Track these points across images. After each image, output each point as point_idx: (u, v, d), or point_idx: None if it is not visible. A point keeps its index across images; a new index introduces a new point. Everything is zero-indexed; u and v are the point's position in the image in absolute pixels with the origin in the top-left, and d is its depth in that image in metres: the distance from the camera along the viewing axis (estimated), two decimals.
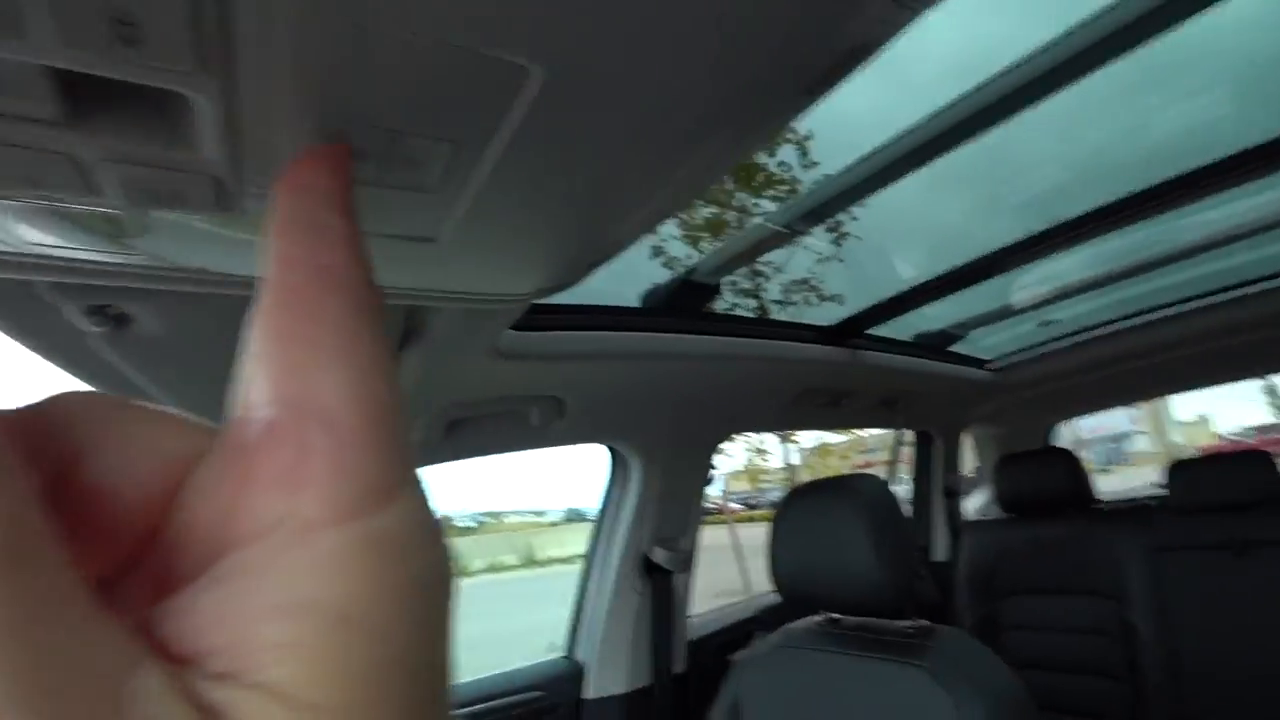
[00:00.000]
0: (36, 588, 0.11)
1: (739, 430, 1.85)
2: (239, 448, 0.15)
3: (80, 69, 0.22)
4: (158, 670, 0.12)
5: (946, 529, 2.51)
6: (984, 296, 1.73)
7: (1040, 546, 2.07)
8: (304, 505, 0.14)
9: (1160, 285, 1.81)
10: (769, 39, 0.28)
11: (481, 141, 0.31)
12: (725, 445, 1.77)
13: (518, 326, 0.84)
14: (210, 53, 0.22)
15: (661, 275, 1.33)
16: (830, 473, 1.40)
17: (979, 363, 2.26)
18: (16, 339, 0.54)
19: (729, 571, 6.22)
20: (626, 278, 1.25)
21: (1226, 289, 1.83)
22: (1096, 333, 2.09)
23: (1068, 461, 2.12)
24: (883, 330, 1.71)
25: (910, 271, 1.88)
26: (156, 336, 0.54)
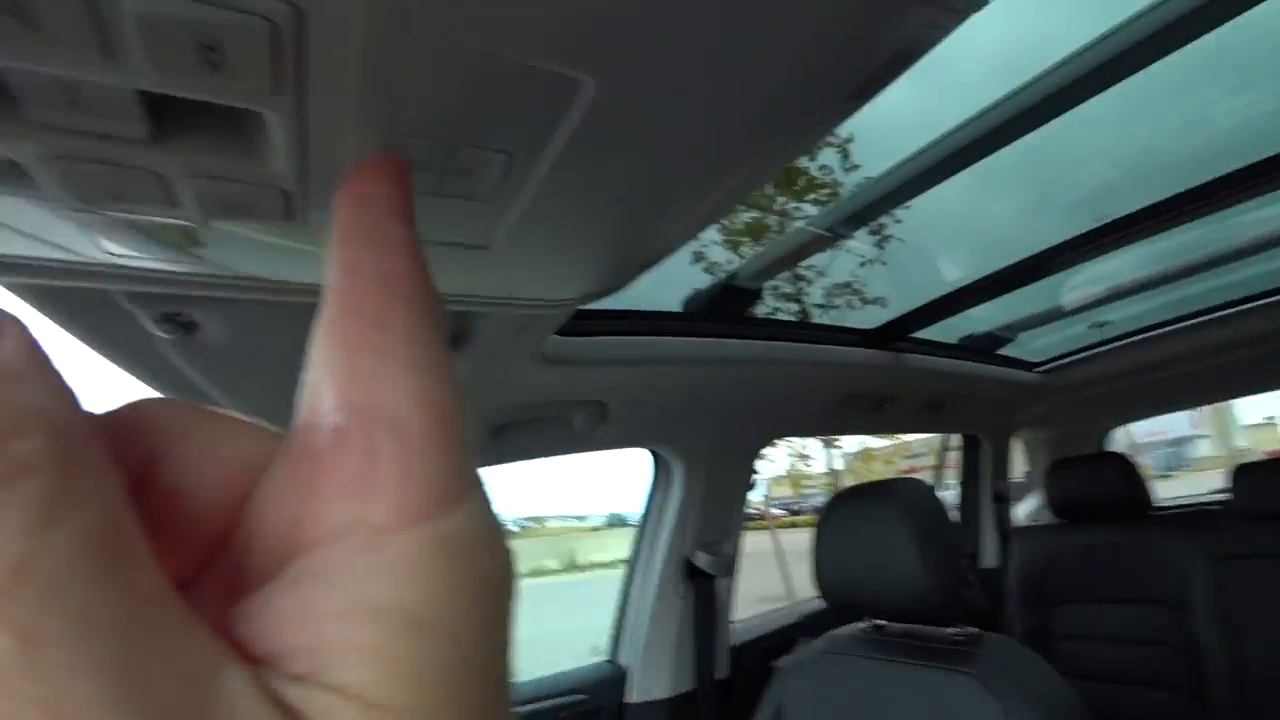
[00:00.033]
0: (133, 588, 0.12)
1: (781, 435, 1.83)
2: (307, 453, 0.15)
3: (167, 91, 0.24)
4: (241, 670, 0.12)
5: (996, 535, 2.45)
6: (1032, 298, 1.69)
7: (1095, 553, 2.01)
8: (373, 510, 0.14)
9: (1217, 285, 1.75)
10: (815, 45, 0.29)
11: (535, 151, 0.32)
12: (767, 450, 1.76)
13: (562, 332, 0.85)
14: (284, 74, 0.24)
15: (702, 280, 1.33)
16: (874, 478, 1.38)
17: (1028, 365, 2.20)
18: (93, 346, 0.57)
19: (771, 578, 6.16)
20: (667, 283, 1.26)
21: None
22: (1150, 334, 2.03)
23: (1122, 466, 2.05)
24: (927, 333, 1.68)
25: (955, 274, 1.85)
26: (221, 343, 0.57)
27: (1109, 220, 1.29)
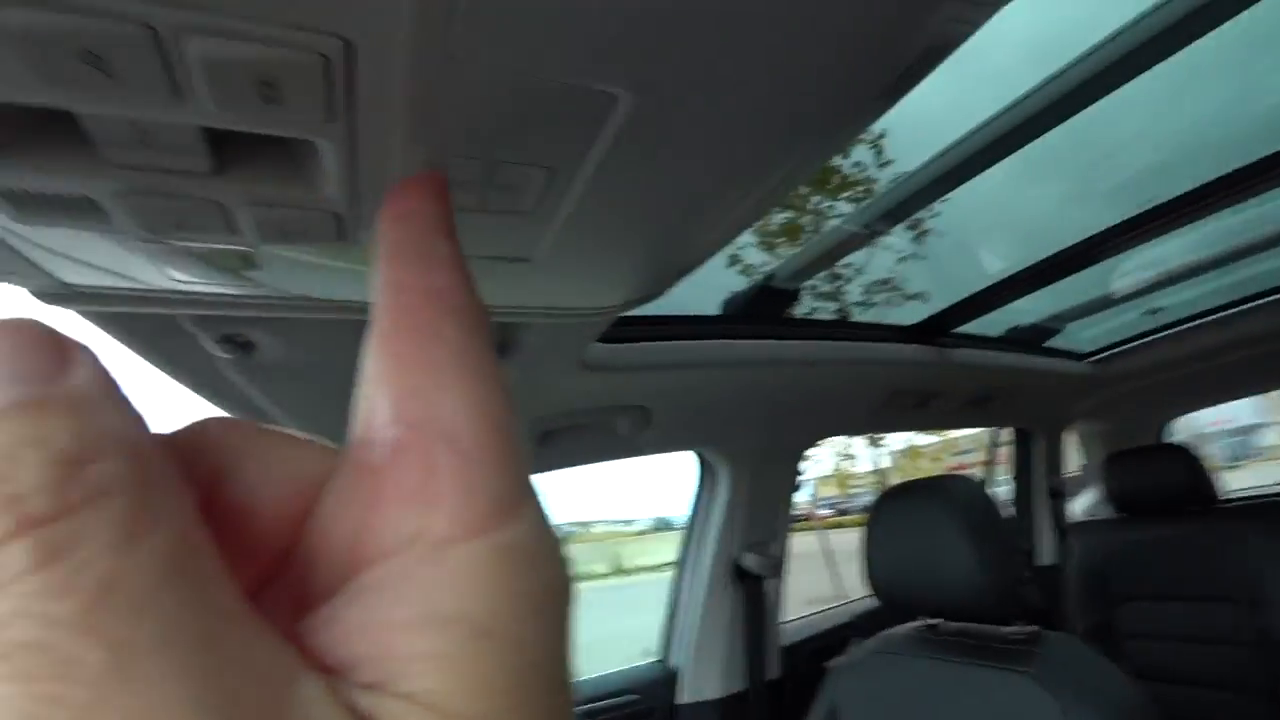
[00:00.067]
0: (212, 601, 0.12)
1: (826, 434, 1.82)
2: (365, 468, 0.16)
3: (229, 127, 0.26)
4: (316, 678, 0.13)
5: (1052, 531, 2.38)
6: (1080, 287, 1.65)
7: (1158, 548, 1.93)
8: (434, 522, 0.14)
9: (1278, 265, 1.67)
10: (845, 46, 0.29)
11: (574, 165, 0.33)
12: (812, 450, 1.75)
13: (604, 339, 0.86)
14: (336, 104, 0.25)
15: (739, 284, 1.33)
16: (921, 475, 1.36)
17: (1079, 356, 2.14)
18: (159, 366, 0.60)
19: (819, 579, 6.07)
20: (704, 288, 1.26)
21: None
22: (1209, 319, 1.95)
23: (1184, 457, 1.97)
24: (971, 327, 1.65)
25: (998, 265, 1.81)
26: (278, 361, 0.59)
27: (1156, 204, 1.25)
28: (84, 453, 0.11)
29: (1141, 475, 2.02)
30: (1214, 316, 1.94)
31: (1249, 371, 2.17)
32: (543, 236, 0.39)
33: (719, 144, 0.34)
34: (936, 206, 1.54)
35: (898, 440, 10.91)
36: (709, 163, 0.36)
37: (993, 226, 2.01)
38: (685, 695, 1.53)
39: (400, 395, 0.16)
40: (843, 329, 1.50)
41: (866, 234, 1.23)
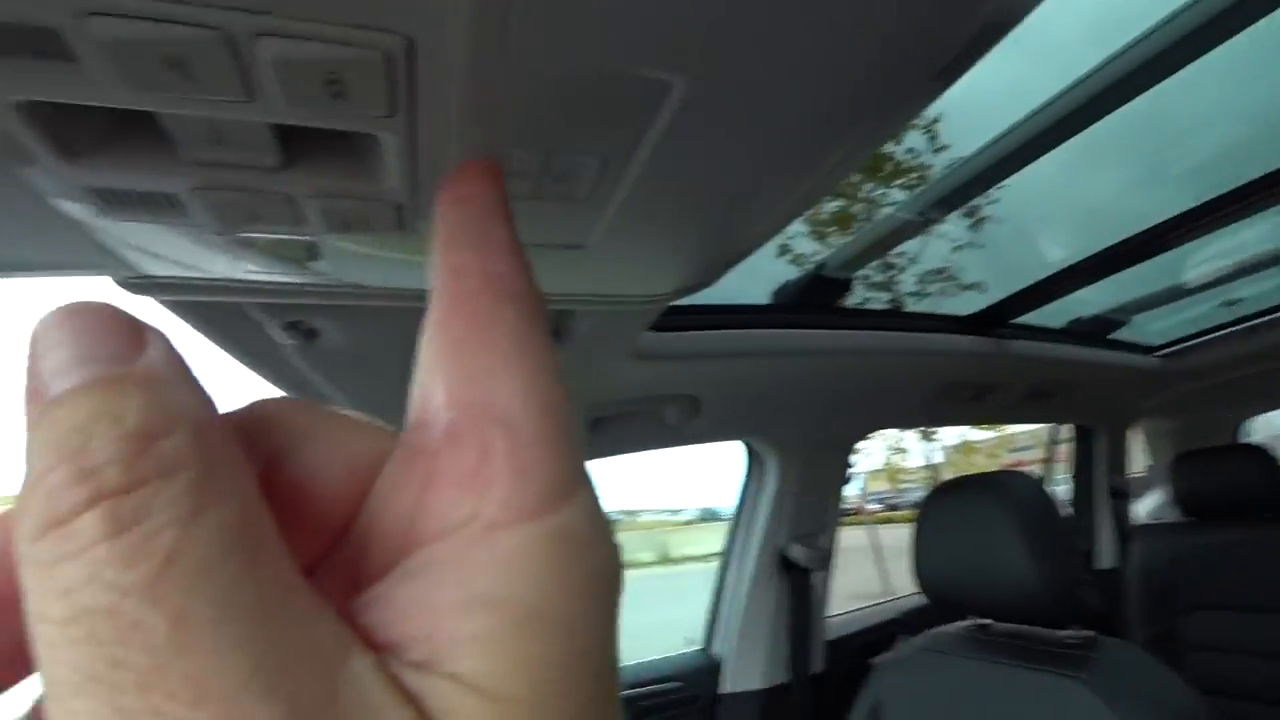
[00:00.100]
0: (270, 576, 0.12)
1: (877, 427, 1.79)
2: (421, 451, 0.16)
3: (297, 123, 0.27)
4: (367, 654, 0.13)
5: (1113, 533, 2.29)
6: (1148, 277, 1.57)
7: (1228, 555, 1.84)
8: (487, 505, 0.15)
9: None
10: (898, 26, 0.28)
11: (627, 153, 0.33)
12: (862, 444, 1.72)
13: (655, 327, 0.87)
14: (398, 98, 0.26)
15: (789, 273, 1.32)
16: (975, 471, 1.32)
17: (1146, 349, 2.05)
18: (229, 352, 0.63)
19: (866, 574, 5.99)
20: (754, 277, 1.26)
21: None
22: None
23: (1260, 459, 1.87)
24: (1030, 318, 1.60)
25: (1059, 254, 1.74)
26: (339, 347, 0.62)
27: (1233, 188, 1.18)
28: (154, 428, 0.12)
29: (1213, 477, 1.93)
30: None
31: None
32: (597, 224, 0.40)
33: (771, 130, 0.34)
34: (994, 193, 1.49)
35: (952, 435, 10.64)
36: (761, 149, 0.36)
37: (1054, 213, 1.94)
38: (728, 685, 1.53)
39: (457, 378, 0.16)
40: (895, 319, 1.47)
41: (920, 222, 1.20)
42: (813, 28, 0.27)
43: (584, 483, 0.16)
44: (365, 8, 0.22)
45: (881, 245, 1.32)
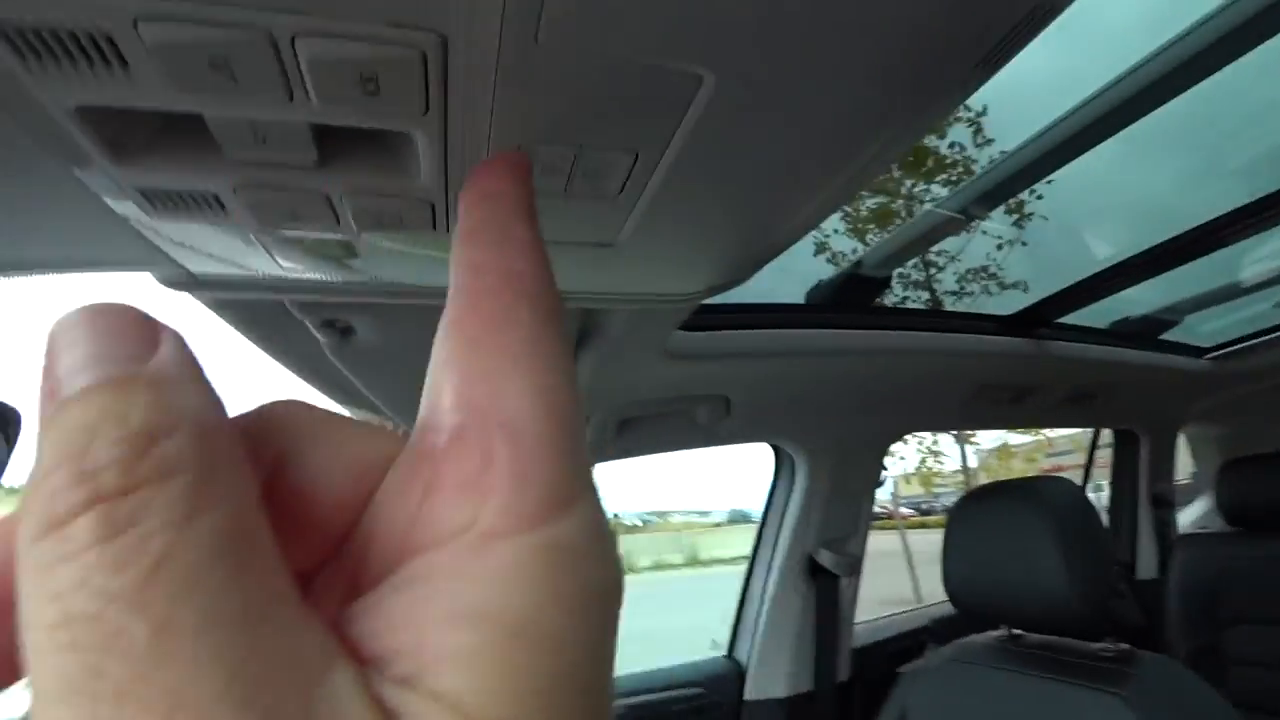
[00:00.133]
0: (259, 584, 0.12)
1: (911, 430, 1.76)
2: (426, 453, 0.16)
3: (335, 122, 0.28)
4: (349, 669, 0.13)
5: (1155, 543, 2.22)
6: (1201, 275, 1.52)
7: (1277, 567, 1.77)
8: (485, 513, 0.14)
9: None
10: (938, 10, 0.27)
11: (659, 149, 0.33)
12: (896, 446, 1.69)
13: (686, 326, 0.86)
14: (431, 96, 0.26)
15: (825, 271, 1.30)
16: (1012, 476, 1.29)
17: (1197, 351, 1.98)
18: (268, 351, 0.65)
19: (897, 580, 5.91)
20: (789, 276, 1.24)
21: None
22: None
23: None
24: (1074, 318, 1.55)
25: (1107, 251, 1.69)
26: (374, 345, 0.62)
27: None
28: (156, 429, 0.12)
29: (1261, 486, 1.85)
30: None
31: None
32: (628, 221, 0.40)
33: (805, 124, 0.34)
34: (1040, 188, 1.45)
35: (989, 438, 10.44)
36: (795, 143, 0.35)
37: (1102, 209, 1.88)
38: (752, 692, 1.52)
39: (466, 379, 0.16)
40: (932, 319, 1.44)
41: (962, 219, 1.17)
42: (847, 16, 0.26)
43: (587, 492, 0.16)
44: (399, 6, 0.22)
45: (921, 243, 1.29)
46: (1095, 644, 1.01)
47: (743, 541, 1.69)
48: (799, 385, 1.23)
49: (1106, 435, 2.37)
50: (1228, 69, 0.78)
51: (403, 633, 0.13)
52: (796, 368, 1.16)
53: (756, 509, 1.67)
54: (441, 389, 0.16)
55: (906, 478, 10.58)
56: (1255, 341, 1.94)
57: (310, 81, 0.25)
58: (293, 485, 0.16)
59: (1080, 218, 1.92)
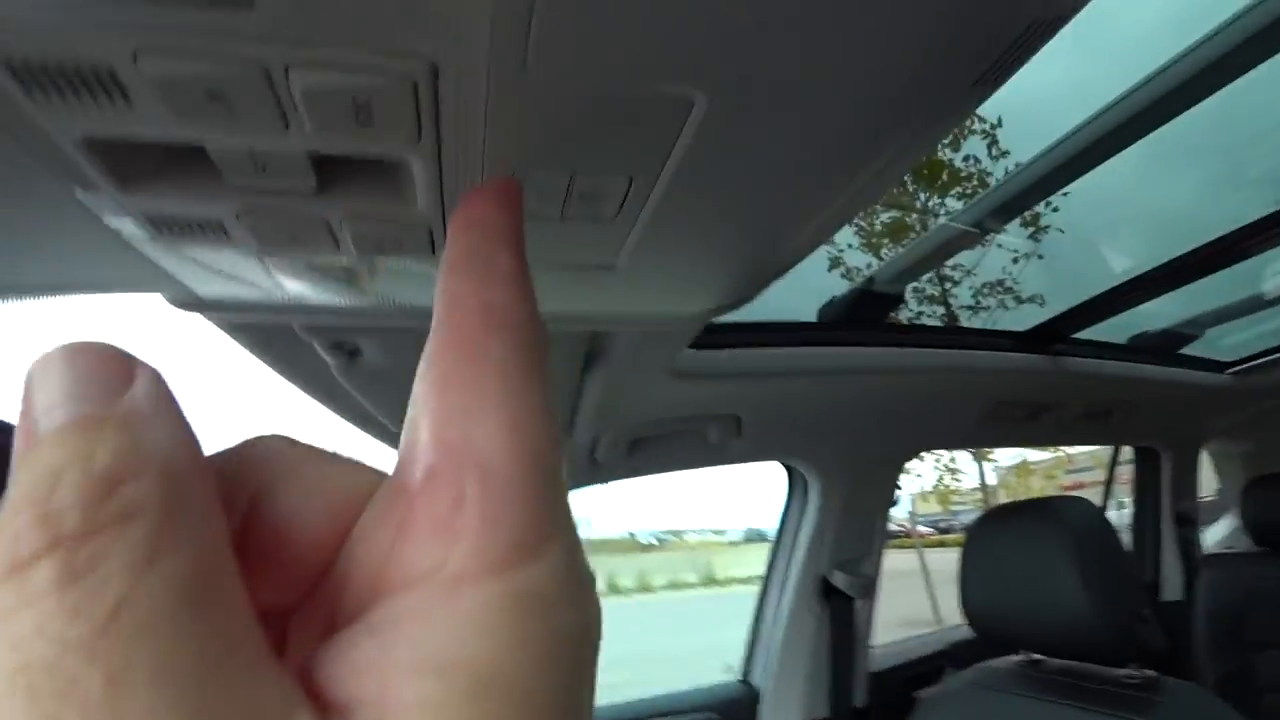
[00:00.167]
0: (220, 631, 0.12)
1: (926, 448, 1.74)
2: (401, 492, 0.15)
3: (330, 150, 0.28)
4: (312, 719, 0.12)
5: (1179, 563, 2.16)
6: (1223, 288, 1.49)
7: None
8: (454, 557, 0.14)
9: None
10: (935, 29, 0.27)
11: (654, 171, 0.33)
12: (912, 464, 1.67)
13: (695, 345, 0.86)
14: (424, 123, 0.27)
15: (839, 286, 1.30)
16: (1032, 493, 1.26)
17: (1219, 366, 1.94)
18: (279, 372, 0.65)
19: (915, 600, 5.82)
20: (802, 292, 1.23)
21: None
22: None
23: None
24: (1091, 333, 1.53)
25: (1125, 264, 1.67)
26: (381, 366, 0.63)
27: None
28: (121, 472, 0.12)
29: None
30: None
31: None
32: (626, 243, 0.40)
33: (800, 145, 0.33)
34: (1055, 200, 1.43)
35: (1008, 455, 10.31)
36: (793, 162, 0.35)
37: (1119, 221, 1.86)
38: (766, 718, 1.49)
39: (441, 416, 0.16)
40: (946, 335, 1.43)
41: (977, 232, 1.16)
42: (839, 37, 0.26)
43: (561, 532, 0.15)
44: (389, 36, 0.22)
45: (935, 257, 1.28)
46: (1119, 670, 0.99)
47: (759, 560, 1.68)
48: (811, 404, 1.22)
49: (1127, 451, 2.33)
50: (1249, 75, 0.77)
51: (368, 680, 0.13)
52: (808, 386, 1.16)
53: (773, 527, 1.65)
54: (418, 425, 0.16)
55: (924, 495, 10.47)
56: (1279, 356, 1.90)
57: (304, 111, 0.25)
58: (270, 522, 0.15)
59: (1096, 230, 1.90)
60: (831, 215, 0.43)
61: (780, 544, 1.59)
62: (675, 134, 0.30)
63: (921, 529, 10.45)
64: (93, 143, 0.27)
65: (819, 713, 1.51)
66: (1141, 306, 1.46)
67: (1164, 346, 1.75)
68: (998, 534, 1.11)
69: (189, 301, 0.48)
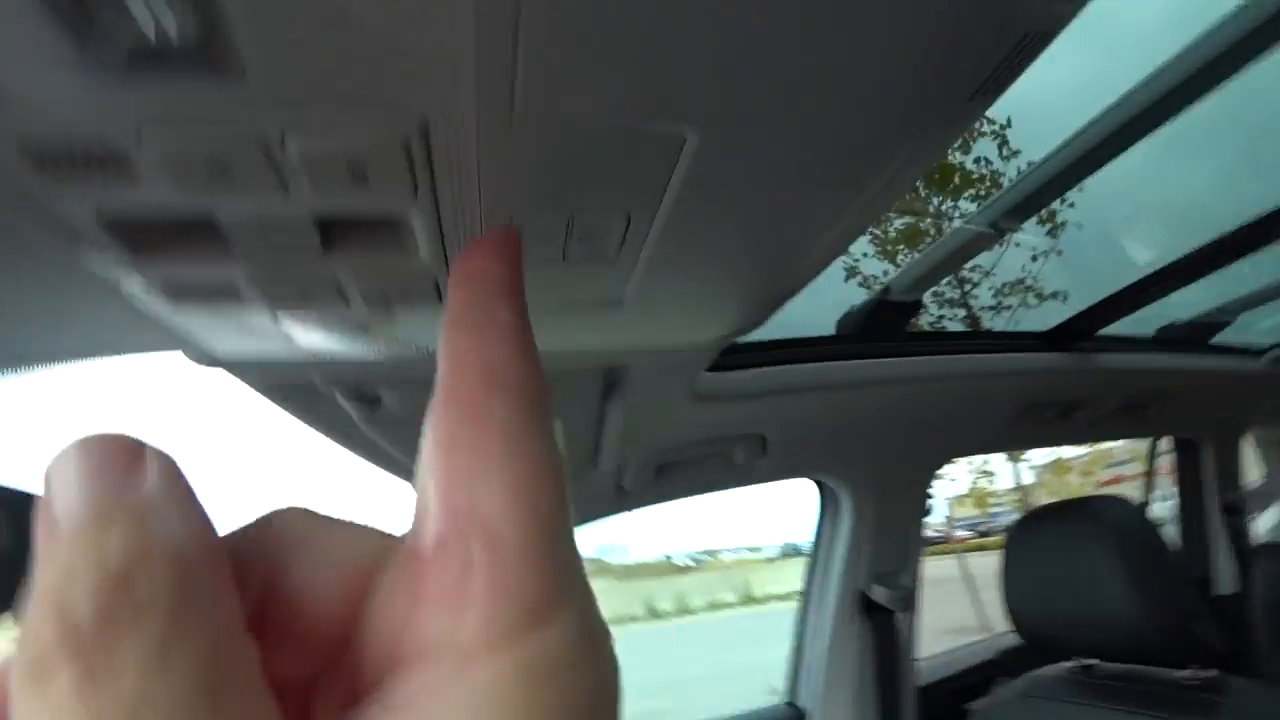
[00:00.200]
0: (235, 718, 0.12)
1: (956, 455, 1.70)
2: (414, 559, 0.15)
3: (330, 211, 0.29)
4: None
5: (1231, 555, 2.09)
6: (1251, 272, 1.45)
7: None
8: (464, 630, 0.14)
9: None
10: (927, 47, 0.27)
11: (651, 207, 0.33)
12: (945, 468, 1.64)
13: (715, 367, 0.85)
14: (419, 178, 0.27)
15: (858, 295, 1.28)
16: (1070, 491, 1.23)
17: (1255, 351, 1.89)
18: (304, 421, 0.66)
19: (959, 606, 5.68)
20: (820, 306, 1.22)
21: None
22: None
23: None
24: (1117, 328, 1.49)
25: (1148, 255, 1.63)
26: (402, 413, 0.63)
27: None
28: (133, 566, 0.12)
29: None
30: None
31: None
32: (631, 279, 0.40)
33: (800, 169, 0.33)
34: (1071, 195, 1.40)
35: (1041, 453, 10.10)
36: (792, 188, 0.35)
37: (1138, 212, 1.83)
38: None
39: (447, 480, 0.16)
40: (969, 340, 1.41)
41: (993, 233, 1.14)
42: (828, 63, 0.26)
43: (573, 595, 0.15)
44: (377, 97, 0.23)
45: (952, 261, 1.26)
46: (1179, 671, 0.95)
47: (796, 575, 1.65)
48: (836, 419, 1.21)
49: (1166, 441, 2.26)
50: (1260, 60, 0.75)
51: None
52: (831, 401, 1.14)
53: (808, 541, 1.63)
54: (426, 489, 0.16)
55: (959, 499, 10.27)
56: None
57: (303, 175, 0.26)
58: (286, 595, 0.16)
59: (1115, 223, 1.87)
60: (837, 235, 0.43)
61: (815, 561, 1.56)
62: (669, 170, 0.30)
63: (960, 533, 10.24)
64: (105, 217, 0.28)
65: None
66: (1166, 297, 1.43)
67: (1194, 336, 1.71)
68: (1038, 538, 1.09)
69: (209, 358, 0.49)
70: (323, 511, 0.17)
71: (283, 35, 0.20)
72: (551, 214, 0.32)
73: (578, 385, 0.68)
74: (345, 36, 0.20)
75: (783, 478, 1.37)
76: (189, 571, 0.13)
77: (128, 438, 0.14)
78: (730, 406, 0.99)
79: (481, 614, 0.14)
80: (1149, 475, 2.42)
